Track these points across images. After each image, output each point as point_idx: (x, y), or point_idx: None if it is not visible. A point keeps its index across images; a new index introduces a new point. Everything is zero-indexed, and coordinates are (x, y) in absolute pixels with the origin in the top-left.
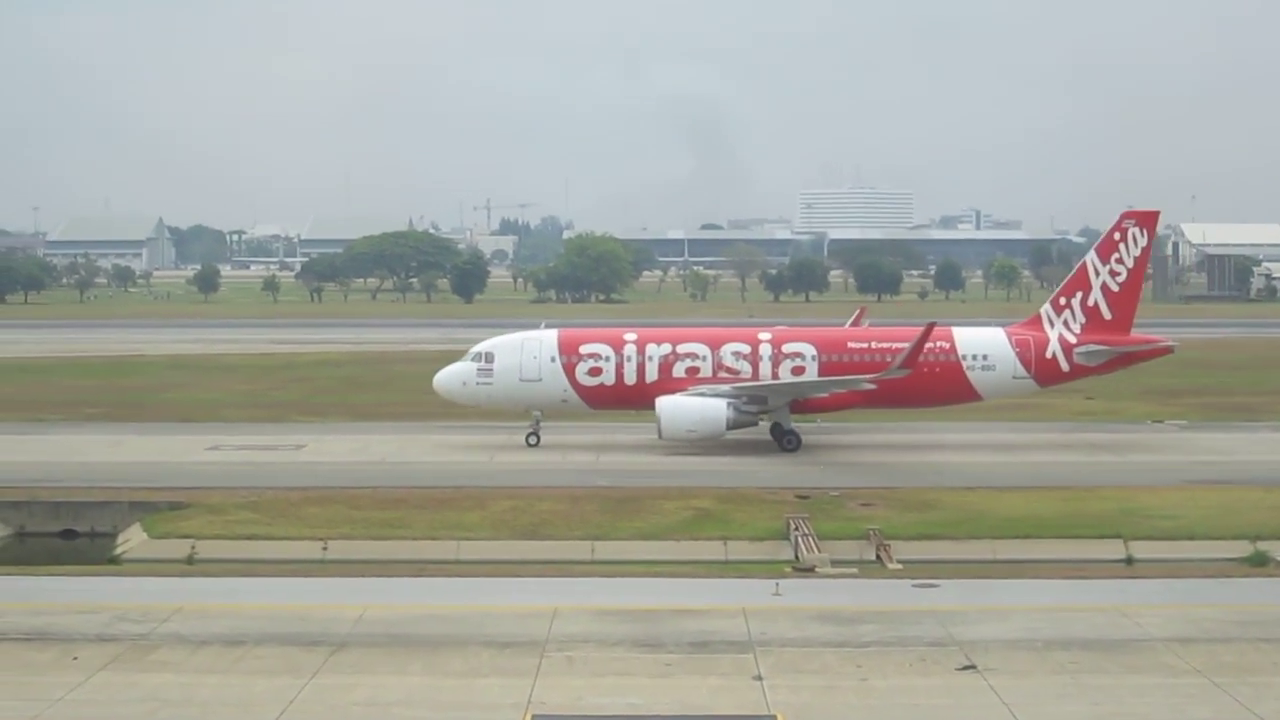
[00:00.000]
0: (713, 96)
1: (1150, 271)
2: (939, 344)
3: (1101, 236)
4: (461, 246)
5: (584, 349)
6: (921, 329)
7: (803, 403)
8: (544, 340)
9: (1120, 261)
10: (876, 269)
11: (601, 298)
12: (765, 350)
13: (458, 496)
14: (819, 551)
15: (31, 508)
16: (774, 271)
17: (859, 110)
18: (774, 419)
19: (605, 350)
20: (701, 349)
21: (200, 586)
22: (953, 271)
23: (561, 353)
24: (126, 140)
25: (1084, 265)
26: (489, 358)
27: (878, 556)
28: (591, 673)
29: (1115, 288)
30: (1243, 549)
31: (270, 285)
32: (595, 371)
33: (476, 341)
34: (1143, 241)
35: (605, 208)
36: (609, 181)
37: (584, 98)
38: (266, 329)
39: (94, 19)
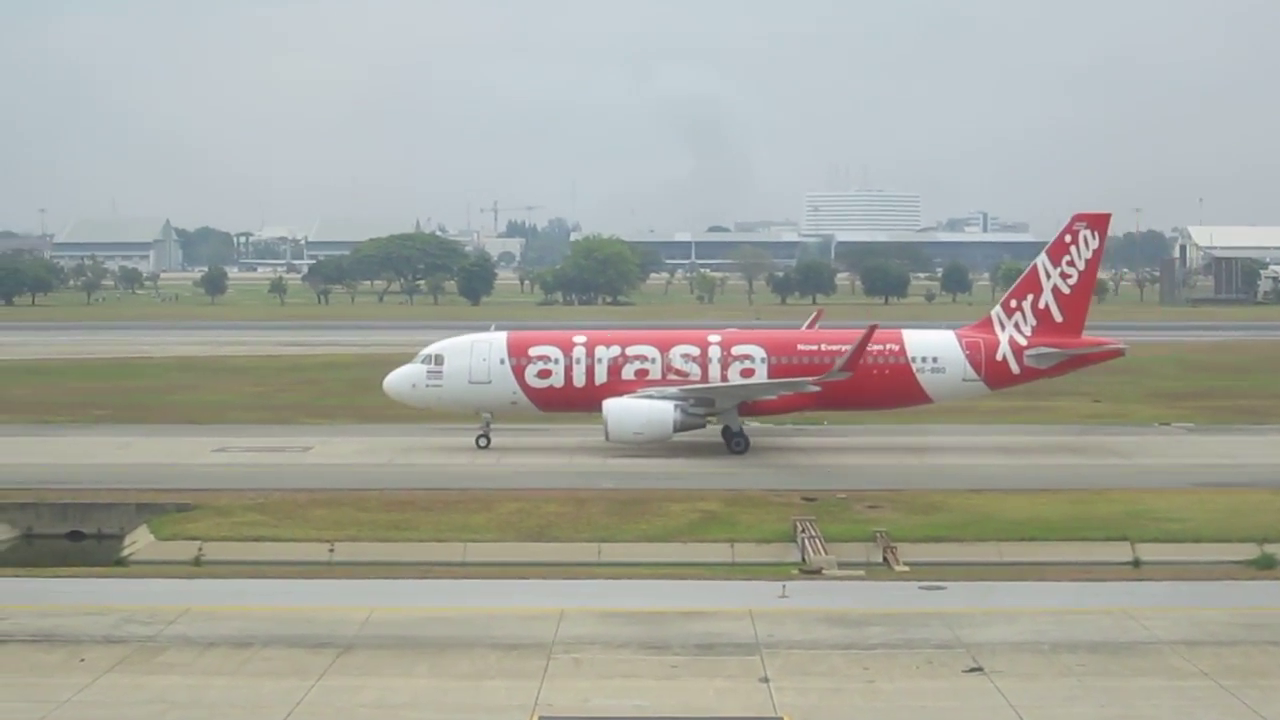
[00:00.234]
0: (719, 98)
1: (1158, 274)
2: (889, 346)
3: (1053, 239)
4: (468, 249)
5: (533, 351)
6: (863, 331)
7: (752, 405)
8: (493, 343)
9: (1071, 264)
10: (883, 272)
11: (609, 300)
12: (714, 352)
13: (464, 498)
14: (826, 554)
15: (39, 509)
16: (781, 274)
17: (865, 113)
18: (723, 421)
19: (554, 353)
20: (651, 351)
21: (207, 588)
22: (960, 274)
23: (510, 355)
24: (133, 142)
25: (1035, 268)
26: (439, 360)
27: (884, 559)
28: (598, 675)
29: (1066, 290)
30: (1250, 552)
31: (277, 287)
32: (544, 374)
33: None
34: (1094, 244)
35: (612, 210)
36: (616, 184)
37: (591, 100)
38: (274, 331)
39: (101, 20)
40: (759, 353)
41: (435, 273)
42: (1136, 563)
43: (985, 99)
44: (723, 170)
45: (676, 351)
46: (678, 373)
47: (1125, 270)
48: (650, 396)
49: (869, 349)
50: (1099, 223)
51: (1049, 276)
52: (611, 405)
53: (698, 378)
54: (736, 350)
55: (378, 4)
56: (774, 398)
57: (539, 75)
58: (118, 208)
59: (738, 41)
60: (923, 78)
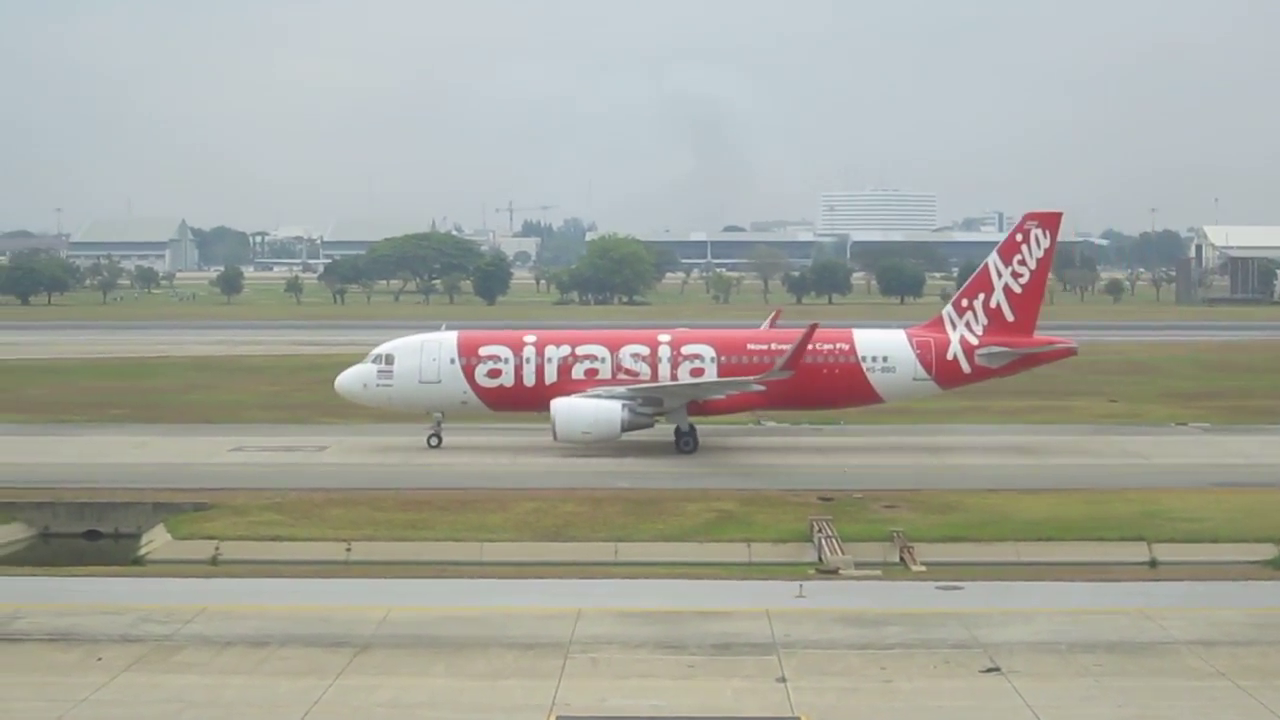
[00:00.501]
0: (733, 98)
1: (1173, 274)
2: (838, 345)
3: (1004, 238)
4: (484, 248)
5: (483, 351)
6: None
7: (701, 404)
8: (443, 342)
9: (1023, 263)
10: (899, 271)
11: (624, 300)
12: (664, 352)
13: (480, 498)
14: (842, 554)
15: (55, 508)
16: (797, 274)
17: (880, 112)
18: (671, 420)
19: (504, 352)
20: (600, 350)
21: (224, 587)
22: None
23: (461, 354)
24: (148, 142)
25: (986, 267)
26: (389, 359)
27: (901, 559)
28: (615, 674)
29: (1018, 289)
30: (1267, 552)
31: (293, 287)
32: (494, 373)
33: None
34: (1045, 243)
35: (627, 210)
36: (631, 184)
37: (606, 100)
38: (290, 330)
39: (115, 21)
40: (708, 352)
41: (451, 272)
42: (1153, 563)
43: (1000, 97)
44: (737, 170)
45: (626, 351)
46: (627, 372)
47: (1141, 270)
48: (599, 396)
49: (821, 349)
50: (1050, 222)
51: (1000, 275)
52: (559, 405)
53: (647, 377)
54: (686, 350)
55: (391, 5)
56: (722, 397)
57: (554, 76)
58: (133, 207)
59: (751, 41)
60: (937, 76)
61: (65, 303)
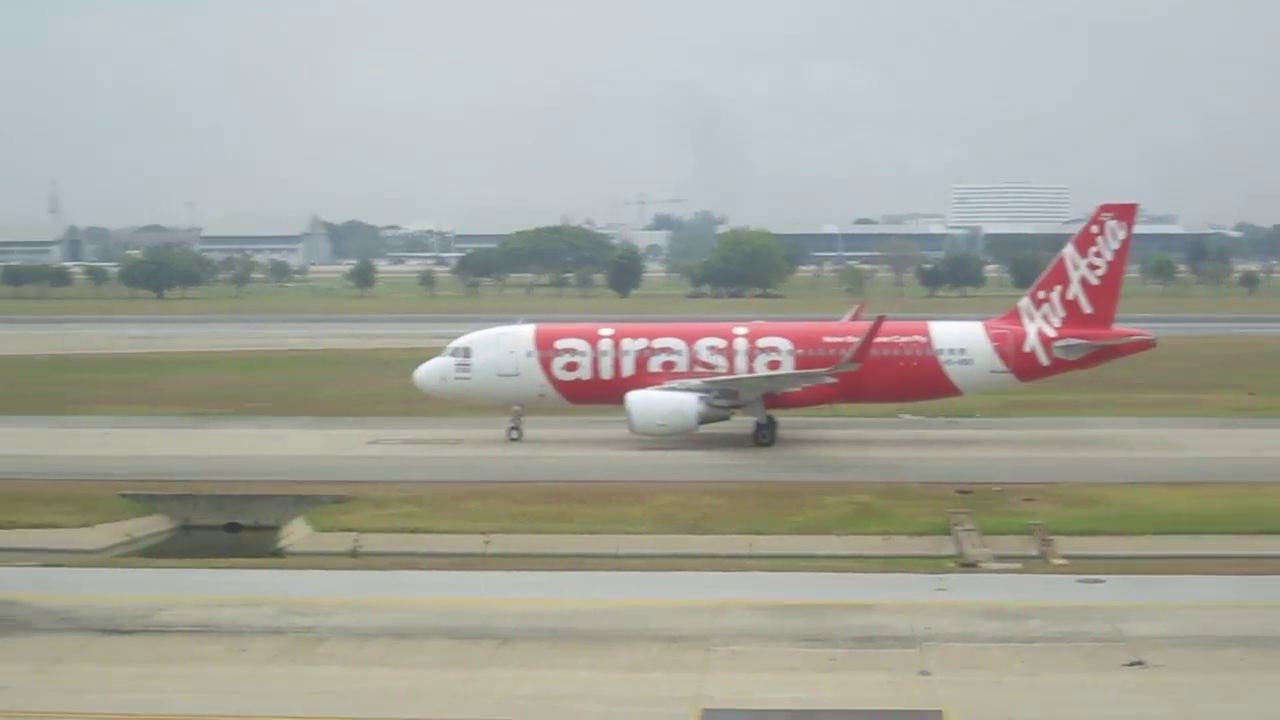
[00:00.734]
0: (865, 91)
1: None
2: (915, 338)
3: (1079, 230)
4: (616, 242)
5: (560, 344)
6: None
7: (779, 397)
8: (520, 335)
9: (1099, 255)
10: (1033, 263)
11: (757, 292)
12: (741, 345)
13: (618, 490)
14: (982, 547)
15: (196, 501)
16: (929, 266)
17: (1013, 103)
18: (748, 413)
19: (581, 345)
20: (677, 344)
21: (364, 580)
22: None
23: (538, 348)
24: (282, 136)
25: (1061, 259)
26: (467, 353)
27: (1041, 552)
28: (757, 667)
29: (1094, 281)
30: None
31: (427, 280)
32: (571, 366)
33: None
34: (1121, 234)
35: (755, 202)
36: (760, 176)
37: (740, 93)
38: (422, 324)
39: (259, 10)
40: (785, 345)
41: (583, 265)
42: None
43: (1133, 92)
44: (868, 163)
45: (702, 344)
46: (704, 365)
47: (1275, 262)
48: (674, 389)
49: (897, 341)
50: (1126, 213)
51: (1076, 267)
52: (634, 397)
53: (725, 370)
54: (762, 343)
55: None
56: (798, 389)
57: (689, 69)
58: (265, 201)
59: (881, 37)
60: (1073, 70)
61: (199, 296)
